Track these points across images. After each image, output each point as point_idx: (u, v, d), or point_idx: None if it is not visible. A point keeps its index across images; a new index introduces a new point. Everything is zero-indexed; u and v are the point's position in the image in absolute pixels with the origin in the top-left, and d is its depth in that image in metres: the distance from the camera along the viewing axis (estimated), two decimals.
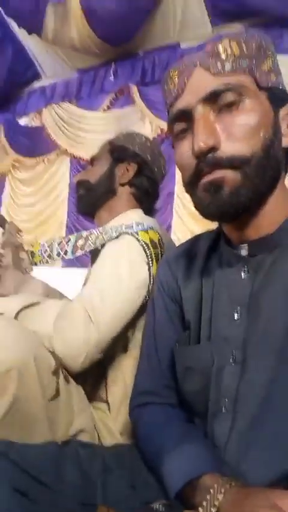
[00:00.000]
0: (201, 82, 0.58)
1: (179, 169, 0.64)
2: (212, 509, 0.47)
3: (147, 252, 0.87)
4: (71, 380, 0.76)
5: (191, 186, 0.61)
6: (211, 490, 0.48)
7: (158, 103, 4.05)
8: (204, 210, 0.60)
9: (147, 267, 0.86)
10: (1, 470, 0.53)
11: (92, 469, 0.62)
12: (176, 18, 3.92)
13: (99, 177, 1.07)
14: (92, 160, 1.13)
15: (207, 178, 0.57)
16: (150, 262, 0.87)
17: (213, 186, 0.57)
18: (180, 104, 0.60)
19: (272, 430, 0.54)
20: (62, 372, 0.74)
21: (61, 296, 1.09)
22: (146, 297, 0.85)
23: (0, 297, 0.88)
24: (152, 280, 0.86)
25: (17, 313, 0.78)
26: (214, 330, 0.63)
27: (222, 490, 0.48)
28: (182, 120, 0.60)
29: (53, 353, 0.73)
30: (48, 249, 1.09)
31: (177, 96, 0.60)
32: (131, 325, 0.85)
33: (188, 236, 0.79)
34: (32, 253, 1.11)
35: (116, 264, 0.85)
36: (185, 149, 0.60)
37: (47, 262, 1.13)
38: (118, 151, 1.08)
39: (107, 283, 0.83)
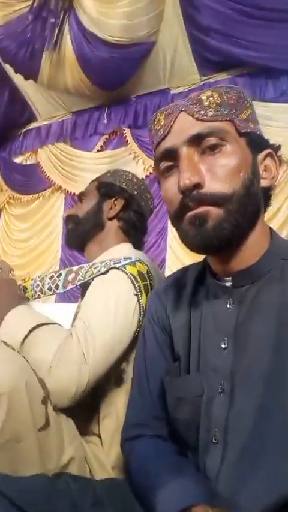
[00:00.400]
0: (186, 125, 0.63)
1: (166, 204, 0.68)
2: None
3: (136, 284, 0.88)
4: (59, 412, 0.76)
5: (176, 219, 0.65)
6: None
7: (150, 144, 4.19)
8: (190, 242, 0.63)
9: (136, 299, 0.87)
10: None
11: (83, 502, 0.62)
12: (166, 66, 4.16)
13: (87, 211, 1.10)
14: (80, 196, 1.17)
15: (192, 212, 0.61)
16: (139, 294, 0.87)
17: (198, 219, 0.61)
18: (166, 144, 0.64)
19: (262, 460, 0.54)
20: (51, 402, 0.74)
21: None
22: (136, 329, 0.85)
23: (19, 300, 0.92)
24: (142, 312, 0.86)
25: (29, 333, 0.80)
26: (203, 361, 0.64)
27: None
28: (168, 159, 0.65)
29: (42, 382, 0.74)
30: (40, 284, 1.10)
31: (164, 137, 0.65)
32: (123, 358, 0.85)
33: None
34: (25, 288, 1.11)
35: (105, 298, 0.86)
36: (171, 185, 0.64)
37: (39, 296, 1.13)
38: (105, 187, 1.11)
39: (96, 319, 0.83)
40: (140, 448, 0.69)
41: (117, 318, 0.84)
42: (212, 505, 0.52)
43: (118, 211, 1.09)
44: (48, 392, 0.73)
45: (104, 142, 4.61)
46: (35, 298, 1.12)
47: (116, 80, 4.23)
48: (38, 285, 1.10)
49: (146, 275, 0.91)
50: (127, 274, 0.89)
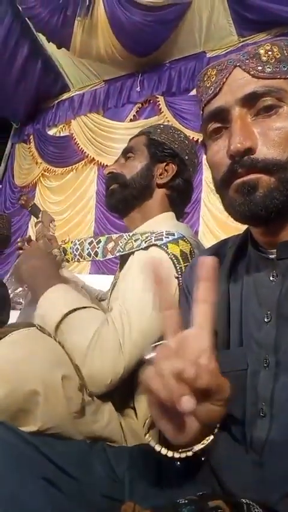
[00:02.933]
0: (240, 82, 0.57)
1: (211, 169, 0.63)
2: None
3: (177, 266, 0.82)
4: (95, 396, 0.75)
5: (222, 186, 0.60)
6: None
7: (184, 112, 4.09)
8: (235, 212, 0.59)
9: (176, 282, 0.82)
10: (32, 460, 0.55)
11: (119, 465, 0.64)
12: (202, 28, 3.96)
13: (136, 173, 1.00)
14: (126, 152, 1.04)
15: (240, 180, 0.57)
16: (180, 276, 0.82)
17: (247, 187, 0.56)
18: (217, 103, 0.59)
19: None
20: (86, 389, 0.73)
21: (91, 294, 1.09)
22: None
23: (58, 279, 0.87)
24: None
25: (64, 316, 0.77)
26: (245, 334, 0.62)
27: None
28: (217, 120, 0.59)
29: (78, 369, 0.73)
30: (79, 248, 1.05)
31: (214, 95, 0.59)
32: (161, 339, 0.83)
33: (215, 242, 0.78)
34: (64, 250, 1.07)
35: (143, 282, 0.81)
36: (219, 149, 0.59)
37: (78, 260, 1.08)
38: (157, 147, 1.00)
39: (134, 304, 0.79)
40: None
41: (155, 305, 0.79)
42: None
43: (169, 178, 0.99)
44: (84, 380, 0.72)
45: (137, 111, 4.52)
46: (74, 261, 1.09)
47: (150, 44, 4.09)
48: (77, 248, 1.05)
49: (188, 255, 0.85)
50: (169, 254, 0.83)
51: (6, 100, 4.99)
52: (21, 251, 1.00)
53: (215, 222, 3.72)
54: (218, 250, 0.74)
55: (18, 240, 1.03)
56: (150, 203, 1.00)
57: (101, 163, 4.57)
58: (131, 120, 4.52)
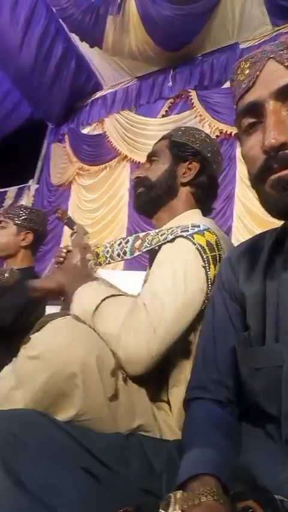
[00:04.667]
0: (275, 74, 0.56)
1: (246, 164, 0.62)
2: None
3: (204, 255, 0.84)
4: (130, 381, 0.77)
5: (257, 182, 0.59)
6: (189, 493, 0.48)
7: (217, 105, 4.03)
8: (271, 207, 0.58)
9: (203, 271, 0.83)
10: (71, 451, 0.57)
11: (157, 461, 0.64)
12: (235, 19, 3.88)
13: (160, 175, 1.04)
14: (150, 156, 1.09)
15: (276, 175, 0.56)
16: (207, 265, 0.84)
17: (283, 183, 0.55)
18: (251, 97, 0.58)
19: None
20: (121, 373, 0.75)
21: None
22: (204, 301, 0.83)
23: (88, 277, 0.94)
24: (209, 284, 0.83)
25: (98, 306, 0.81)
26: (282, 330, 0.61)
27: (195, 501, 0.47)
28: (252, 114, 0.59)
29: (113, 354, 0.75)
30: (109, 250, 1.10)
31: (248, 89, 0.58)
32: (191, 329, 0.83)
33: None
34: (97, 254, 1.13)
35: (172, 270, 0.83)
36: (254, 144, 0.58)
37: (109, 262, 1.14)
38: (178, 148, 1.04)
39: (164, 291, 0.81)
40: (193, 410, 0.69)
41: (185, 290, 0.81)
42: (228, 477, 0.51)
43: (193, 176, 1.02)
44: (118, 364, 0.75)
45: (169, 107, 4.50)
46: (106, 263, 1.14)
47: (181, 39, 4.05)
48: (108, 251, 1.11)
49: (214, 245, 0.86)
50: (195, 244, 0.85)
51: (42, 101, 5.12)
52: (61, 259, 1.06)
53: (250, 218, 3.64)
54: (255, 244, 0.73)
55: (59, 248, 1.10)
56: (175, 202, 1.04)
57: (133, 160, 4.59)
58: (163, 116, 4.50)
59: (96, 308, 0.81)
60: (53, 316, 0.75)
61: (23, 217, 1.80)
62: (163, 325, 0.77)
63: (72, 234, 1.21)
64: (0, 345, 1.66)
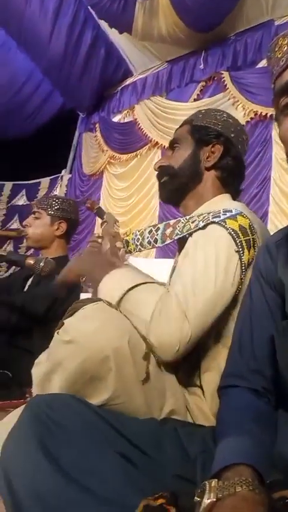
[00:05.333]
0: None
1: (284, 145, 0.60)
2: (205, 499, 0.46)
3: (237, 240, 0.82)
4: (162, 366, 0.78)
5: None
6: (225, 482, 0.48)
7: (251, 86, 3.89)
8: None
9: (237, 256, 0.82)
10: (108, 436, 0.58)
11: (191, 447, 0.65)
12: None
13: (183, 162, 1.02)
14: (172, 144, 1.06)
15: None
16: (241, 250, 0.82)
17: None
18: None
19: None
20: (153, 358, 0.76)
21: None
22: (238, 287, 0.82)
23: (114, 265, 0.92)
24: (243, 269, 0.82)
25: (125, 293, 0.81)
26: None
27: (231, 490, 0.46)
28: None
29: (144, 338, 0.76)
30: (140, 238, 1.10)
31: (286, 66, 0.56)
32: (223, 316, 0.83)
33: (287, 223, 0.74)
34: (127, 242, 1.13)
35: (204, 256, 0.82)
36: None
37: (140, 250, 1.15)
38: (200, 131, 1.01)
39: (197, 276, 0.80)
40: (228, 398, 0.69)
41: (218, 276, 0.80)
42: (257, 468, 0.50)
43: (217, 159, 1.00)
44: (150, 348, 0.75)
45: (201, 90, 4.39)
46: (136, 251, 1.14)
47: (213, 19, 3.92)
48: (138, 239, 1.10)
49: (248, 229, 0.84)
50: (227, 229, 0.83)
51: (73, 90, 5.15)
52: (95, 248, 1.07)
53: (287, 202, 3.52)
54: None
55: (91, 238, 1.11)
56: (201, 188, 1.02)
57: (164, 146, 4.53)
58: (194, 100, 4.40)
59: (123, 296, 0.81)
60: (85, 302, 0.76)
61: (55, 208, 1.84)
62: (194, 313, 0.77)
63: (102, 224, 1.23)
64: (37, 333, 1.73)
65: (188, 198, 1.03)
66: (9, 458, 0.56)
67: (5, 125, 5.77)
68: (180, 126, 1.08)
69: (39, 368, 0.77)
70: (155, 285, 0.85)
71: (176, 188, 1.04)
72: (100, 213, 1.28)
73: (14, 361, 1.72)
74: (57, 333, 0.74)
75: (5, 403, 1.59)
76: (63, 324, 0.74)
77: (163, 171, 1.06)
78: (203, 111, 1.08)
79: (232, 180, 1.03)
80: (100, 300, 0.78)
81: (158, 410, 0.74)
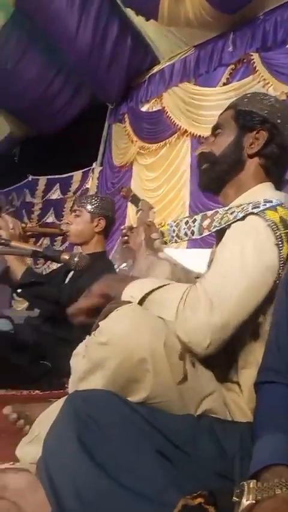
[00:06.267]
0: None
1: None
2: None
3: (276, 233, 0.79)
4: (198, 363, 0.77)
5: None
6: (264, 484, 0.47)
7: (282, 67, 3.74)
8: None
9: (276, 250, 0.79)
10: (145, 433, 0.59)
11: (228, 444, 0.65)
12: None
13: (225, 148, 0.98)
14: (215, 129, 1.03)
15: None
16: (280, 243, 0.79)
17: None
18: None
19: None
20: (189, 356, 0.74)
21: (189, 275, 1.10)
22: (275, 281, 0.79)
23: (133, 279, 0.89)
24: (282, 263, 0.79)
25: (145, 297, 0.79)
26: None
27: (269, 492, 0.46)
28: None
29: (178, 337, 0.74)
30: (175, 229, 1.08)
31: None
32: (260, 310, 0.80)
33: None
34: (162, 233, 1.11)
35: (241, 247, 0.80)
36: None
37: (176, 241, 1.12)
38: (244, 117, 0.97)
39: (229, 267, 0.78)
40: (265, 394, 0.68)
41: (253, 270, 0.78)
42: None
43: (261, 146, 0.95)
44: (185, 348, 0.74)
45: (230, 74, 4.27)
46: (172, 242, 1.13)
47: None
48: (174, 230, 1.08)
49: None
50: (267, 221, 0.80)
51: (101, 81, 5.14)
52: (126, 237, 1.06)
53: None
54: None
55: (122, 227, 1.10)
56: (243, 176, 0.98)
57: (193, 134, 4.46)
58: (224, 84, 4.28)
59: (146, 297, 0.79)
60: (119, 303, 0.77)
61: (95, 205, 1.95)
62: (225, 306, 0.74)
63: (137, 212, 1.21)
64: (76, 324, 1.78)
65: (229, 186, 0.99)
66: (50, 453, 0.58)
67: (37, 121, 5.87)
68: (224, 111, 1.04)
69: (77, 360, 0.78)
70: (178, 284, 0.84)
71: (216, 176, 1.00)
72: (135, 200, 1.26)
73: (53, 351, 1.79)
74: (93, 334, 0.74)
75: (46, 394, 1.65)
76: (98, 325, 0.74)
77: (204, 158, 1.02)
78: (248, 94, 1.03)
79: (276, 169, 0.98)
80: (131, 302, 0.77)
81: (195, 408, 0.74)
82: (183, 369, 0.72)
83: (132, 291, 0.82)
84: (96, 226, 1.94)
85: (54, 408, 0.91)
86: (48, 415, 0.91)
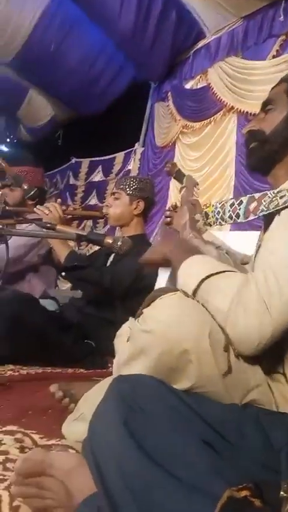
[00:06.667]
0: None
1: None
2: None
3: None
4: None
5: None
6: None
7: None
8: None
9: None
10: (191, 422, 0.59)
11: (275, 436, 0.63)
12: None
13: (277, 125, 0.92)
14: (265, 105, 0.97)
15: None
16: None
17: None
18: None
19: None
20: (233, 348, 0.72)
21: (235, 258, 1.06)
22: None
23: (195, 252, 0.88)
24: None
25: (201, 282, 0.77)
26: None
27: None
28: None
29: (223, 329, 0.72)
30: (220, 211, 1.05)
31: None
32: None
33: None
34: (207, 215, 1.08)
35: None
36: None
37: (220, 224, 1.09)
38: None
39: (281, 264, 0.72)
40: None
41: None
42: None
43: None
44: (229, 339, 0.71)
45: (280, 45, 4.01)
46: (216, 225, 1.09)
47: None
48: (218, 211, 1.05)
49: None
50: None
51: (144, 59, 5.05)
52: (169, 219, 1.03)
53: None
54: None
55: (167, 209, 1.07)
56: None
57: (240, 110, 4.28)
58: (273, 57, 4.03)
59: (199, 286, 0.77)
60: (163, 291, 0.75)
61: (133, 187, 1.94)
62: (278, 306, 0.69)
63: (181, 189, 1.17)
64: (119, 305, 1.82)
65: (279, 167, 0.94)
66: (96, 438, 0.58)
67: (80, 102, 5.90)
68: (276, 85, 0.97)
69: (120, 341, 0.79)
70: (234, 273, 0.80)
71: (266, 156, 0.94)
72: (179, 176, 1.22)
73: (97, 331, 1.83)
74: (137, 321, 0.74)
75: (90, 372, 1.70)
76: (142, 312, 0.74)
77: (252, 136, 0.96)
78: None
79: None
80: (177, 290, 0.76)
81: (240, 399, 0.73)
82: (227, 360, 0.71)
83: (187, 275, 0.81)
84: (135, 208, 1.93)
85: (99, 388, 0.93)
86: (93, 394, 0.93)
